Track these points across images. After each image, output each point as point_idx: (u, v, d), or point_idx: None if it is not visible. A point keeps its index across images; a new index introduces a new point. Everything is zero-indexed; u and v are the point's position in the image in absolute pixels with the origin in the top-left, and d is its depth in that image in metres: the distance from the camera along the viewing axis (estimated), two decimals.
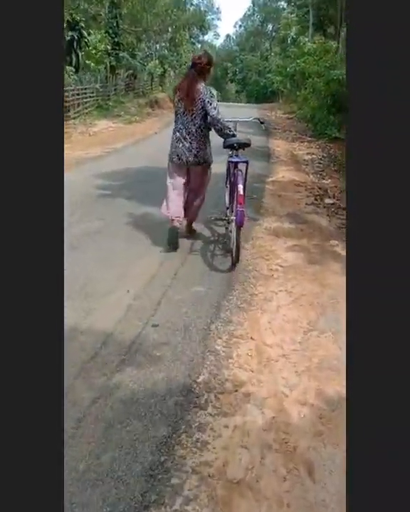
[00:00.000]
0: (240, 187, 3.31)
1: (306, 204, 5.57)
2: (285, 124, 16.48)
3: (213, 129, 3.59)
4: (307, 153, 9.71)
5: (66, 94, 12.95)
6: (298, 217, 5.00)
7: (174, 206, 3.75)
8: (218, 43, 57.62)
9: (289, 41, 27.29)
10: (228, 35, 56.69)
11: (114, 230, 4.24)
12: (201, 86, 3.50)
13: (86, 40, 14.79)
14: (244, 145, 3.62)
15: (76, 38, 14.02)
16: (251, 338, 2.52)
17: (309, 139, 11.92)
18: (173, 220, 3.75)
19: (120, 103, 17.77)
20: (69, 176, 6.52)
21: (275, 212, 5.15)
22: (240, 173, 3.46)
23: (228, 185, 4.11)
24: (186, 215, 3.94)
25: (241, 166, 3.55)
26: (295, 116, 17.98)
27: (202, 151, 3.62)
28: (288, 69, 18.55)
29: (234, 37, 55.01)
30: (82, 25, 14.15)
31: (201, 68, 3.53)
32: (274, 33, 42.09)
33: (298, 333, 2.60)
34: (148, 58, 24.75)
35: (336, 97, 10.91)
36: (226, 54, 52.46)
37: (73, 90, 13.53)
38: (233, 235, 3.42)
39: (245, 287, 3.16)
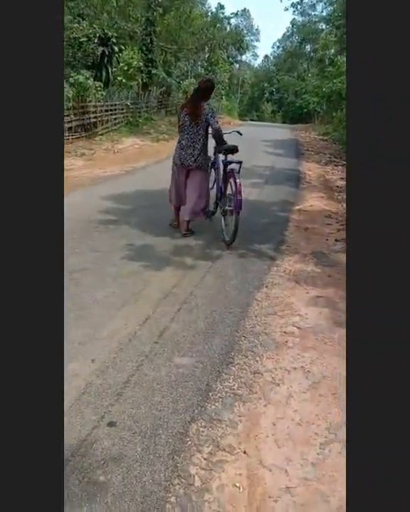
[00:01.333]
0: (238, 181, 4.02)
1: (336, 240, 4.80)
2: (319, 145, 15.73)
3: (212, 137, 4.40)
4: (341, 178, 8.92)
5: (94, 109, 12.68)
6: (326, 258, 4.24)
7: (174, 197, 4.67)
8: (256, 63, 58.20)
9: (327, 62, 26.67)
10: (266, 56, 57.14)
11: (104, 267, 3.60)
12: (205, 104, 4.32)
13: (117, 55, 14.56)
14: (234, 150, 4.34)
15: (107, 53, 13.79)
16: (244, 452, 1.78)
17: (344, 162, 11.13)
18: (174, 207, 4.76)
19: (151, 120, 17.44)
20: (76, 198, 5.99)
21: (299, 250, 4.41)
22: (235, 170, 4.20)
23: (220, 183, 4.65)
24: (184, 203, 4.64)
25: (235, 166, 4.28)
26: (329, 138, 17.24)
27: (202, 157, 4.44)
28: (324, 89, 17.90)
29: (272, 57, 55.24)
30: (114, 41, 13.92)
31: (204, 90, 4.33)
32: (312, 54, 41.70)
33: (313, 447, 1.83)
34: (183, 76, 24.62)
35: None
36: (264, 74, 52.70)
37: (102, 106, 13.25)
38: (231, 220, 4.17)
39: (248, 360, 2.42)
